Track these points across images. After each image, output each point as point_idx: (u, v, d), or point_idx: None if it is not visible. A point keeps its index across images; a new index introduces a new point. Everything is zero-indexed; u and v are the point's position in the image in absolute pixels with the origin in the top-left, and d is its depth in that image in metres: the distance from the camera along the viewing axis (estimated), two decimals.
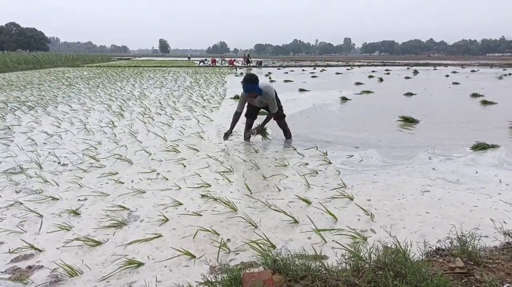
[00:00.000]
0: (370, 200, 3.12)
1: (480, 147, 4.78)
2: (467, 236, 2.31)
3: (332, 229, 2.57)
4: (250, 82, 4.80)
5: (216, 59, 41.07)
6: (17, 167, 3.97)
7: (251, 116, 5.29)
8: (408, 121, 6.68)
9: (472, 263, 2.08)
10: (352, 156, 4.49)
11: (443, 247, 2.30)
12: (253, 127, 5.29)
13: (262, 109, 5.38)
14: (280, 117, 5.25)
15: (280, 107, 5.18)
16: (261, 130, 5.16)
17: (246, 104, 5.22)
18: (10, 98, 9.71)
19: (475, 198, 3.15)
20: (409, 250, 2.16)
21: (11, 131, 5.76)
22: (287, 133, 5.37)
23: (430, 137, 5.51)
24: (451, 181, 3.59)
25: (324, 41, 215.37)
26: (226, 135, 5.09)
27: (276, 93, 5.08)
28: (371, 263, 2.03)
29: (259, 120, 5.41)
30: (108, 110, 7.80)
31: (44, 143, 5.06)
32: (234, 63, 36.82)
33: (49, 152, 4.58)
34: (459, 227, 2.56)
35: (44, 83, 14.11)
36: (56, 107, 8.26)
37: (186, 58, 62.30)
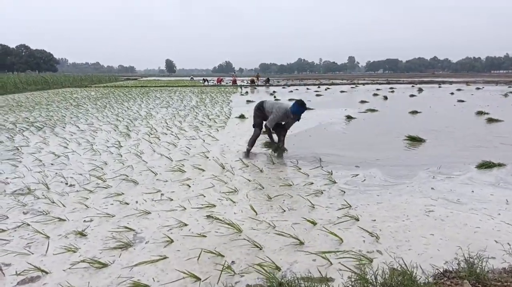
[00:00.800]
0: (375, 220, 3.11)
1: (486, 165, 4.75)
2: (474, 258, 2.29)
3: (338, 251, 2.56)
4: (303, 106, 5.22)
5: (224, 79, 40.88)
6: (25, 188, 4.02)
7: (274, 129, 5.64)
8: (414, 140, 6.67)
9: (480, 285, 2.06)
10: (357, 175, 4.49)
11: (450, 269, 2.28)
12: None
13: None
14: (285, 131, 5.73)
15: None
16: (281, 145, 5.65)
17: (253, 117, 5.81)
18: (19, 119, 9.88)
19: (477, 219, 3.13)
20: (416, 272, 2.15)
21: (20, 152, 5.85)
22: (281, 139, 5.68)
23: (435, 156, 5.49)
24: (452, 201, 3.57)
25: (328, 60, 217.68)
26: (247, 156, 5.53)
27: None
28: (378, 286, 2.02)
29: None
30: (115, 131, 7.90)
31: (52, 164, 5.12)
32: (237, 81, 37.33)
33: (56, 173, 4.63)
34: (465, 249, 2.53)
35: (52, 104, 14.35)
36: (63, 127, 8.39)
37: (189, 79, 63.15)
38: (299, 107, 5.17)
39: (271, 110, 5.43)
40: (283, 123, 5.55)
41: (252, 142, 5.66)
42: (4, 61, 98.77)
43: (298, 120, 5.41)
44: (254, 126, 5.75)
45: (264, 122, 5.63)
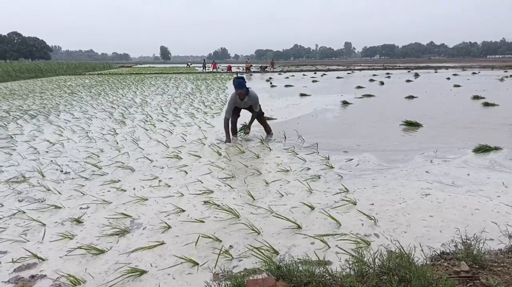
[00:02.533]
0: (372, 204, 3.11)
1: (483, 149, 4.76)
2: (471, 239, 2.30)
3: (336, 234, 2.56)
4: (241, 79, 5.66)
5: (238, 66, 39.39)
6: (20, 176, 3.98)
7: (235, 115, 5.96)
8: (411, 125, 6.67)
9: (477, 266, 2.07)
10: (351, 160, 4.48)
11: (448, 251, 2.29)
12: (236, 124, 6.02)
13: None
14: (260, 115, 6.05)
15: (260, 108, 5.96)
16: (249, 126, 5.98)
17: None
18: (13, 107, 9.76)
19: (475, 201, 3.14)
20: (413, 255, 2.15)
21: (14, 140, 5.78)
22: (267, 129, 6.13)
23: (430, 140, 5.49)
24: (448, 184, 3.58)
25: (325, 46, 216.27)
26: (228, 141, 5.61)
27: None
28: (376, 268, 2.02)
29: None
30: (110, 118, 7.83)
31: (46, 151, 5.07)
32: (233, 68, 36.90)
33: (51, 160, 4.59)
34: (463, 231, 2.54)
35: (46, 92, 14.18)
36: (58, 115, 8.30)
37: (186, 65, 62.40)
38: (236, 81, 5.60)
39: (228, 107, 5.82)
40: (243, 107, 5.87)
41: (226, 126, 5.75)
42: None
43: (246, 89, 5.64)
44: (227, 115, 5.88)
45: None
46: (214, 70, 37.42)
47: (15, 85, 18.01)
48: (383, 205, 3.10)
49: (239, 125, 6.13)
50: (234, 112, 5.89)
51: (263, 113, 6.12)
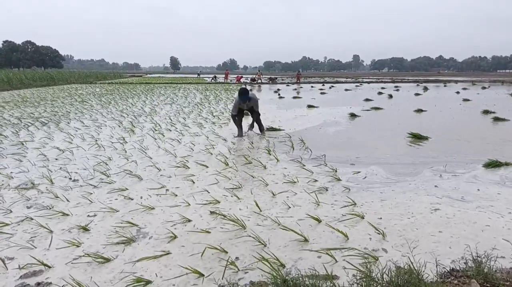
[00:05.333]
0: (381, 218, 3.07)
1: (493, 164, 4.70)
2: (482, 257, 2.26)
3: (343, 248, 2.53)
4: (245, 93, 6.87)
5: (254, 77, 38.79)
6: (29, 183, 4.02)
7: (240, 116, 7.16)
8: (420, 138, 6.62)
9: (488, 285, 2.02)
10: (359, 172, 4.45)
11: (458, 268, 2.24)
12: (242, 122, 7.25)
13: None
14: (258, 116, 7.31)
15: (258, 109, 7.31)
16: (253, 124, 7.45)
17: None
18: (24, 114, 9.91)
19: (486, 217, 3.08)
20: (423, 271, 2.11)
21: (24, 147, 5.86)
22: (261, 128, 7.33)
23: (439, 154, 5.44)
24: (457, 199, 3.53)
25: (333, 58, 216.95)
26: (240, 135, 6.90)
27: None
28: (384, 284, 1.98)
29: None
30: (119, 126, 7.90)
31: (56, 159, 5.12)
32: (241, 79, 37.06)
33: (61, 168, 4.63)
34: (473, 247, 2.49)
35: (57, 100, 14.39)
36: (68, 123, 8.40)
37: (196, 75, 62.95)
38: (242, 96, 6.84)
39: (233, 108, 7.13)
40: (245, 108, 7.13)
41: (236, 124, 7.08)
42: (10, 57, 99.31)
43: (249, 101, 6.93)
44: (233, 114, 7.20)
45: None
46: (227, 80, 37.64)
47: (28, 93, 18.32)
48: (392, 219, 3.06)
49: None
50: (239, 114, 7.06)
51: (259, 114, 7.33)
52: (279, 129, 7.63)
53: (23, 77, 26.86)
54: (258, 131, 7.35)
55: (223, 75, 40.88)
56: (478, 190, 3.81)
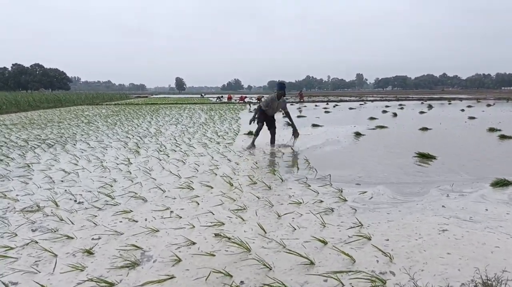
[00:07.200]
0: (388, 240, 3.03)
1: (501, 183, 4.64)
2: (492, 280, 2.20)
3: (350, 271, 2.49)
4: (282, 83, 7.76)
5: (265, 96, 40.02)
6: (34, 205, 4.03)
7: (263, 122, 7.88)
8: (425, 157, 6.58)
9: None
10: (365, 192, 4.42)
11: None
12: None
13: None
14: (274, 128, 8.10)
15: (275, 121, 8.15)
16: (295, 129, 8.07)
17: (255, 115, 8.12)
18: (31, 136, 10.02)
19: (495, 238, 3.03)
20: None
21: (30, 169, 5.90)
22: (272, 140, 8.02)
23: (446, 173, 5.39)
24: (465, 219, 3.48)
25: (337, 77, 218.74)
26: (252, 146, 7.69)
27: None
28: None
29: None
30: (125, 147, 7.95)
31: (61, 181, 5.14)
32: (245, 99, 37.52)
33: (66, 190, 4.65)
34: (483, 270, 2.44)
35: (64, 121, 14.57)
36: (74, 145, 8.47)
37: (200, 96, 63.94)
38: (278, 85, 7.67)
39: (265, 103, 7.81)
40: (272, 113, 7.87)
41: (256, 133, 7.83)
42: (19, 79, 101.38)
43: (284, 95, 7.70)
44: (258, 123, 7.91)
45: (262, 107, 7.87)
46: (232, 101, 38.42)
47: (35, 115, 18.58)
48: (399, 240, 3.02)
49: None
50: (263, 120, 7.82)
51: (276, 127, 8.06)
52: (284, 148, 7.63)
53: (31, 100, 27.27)
54: (284, 143, 8.20)
55: (227, 97, 41.98)
56: (486, 209, 3.75)
